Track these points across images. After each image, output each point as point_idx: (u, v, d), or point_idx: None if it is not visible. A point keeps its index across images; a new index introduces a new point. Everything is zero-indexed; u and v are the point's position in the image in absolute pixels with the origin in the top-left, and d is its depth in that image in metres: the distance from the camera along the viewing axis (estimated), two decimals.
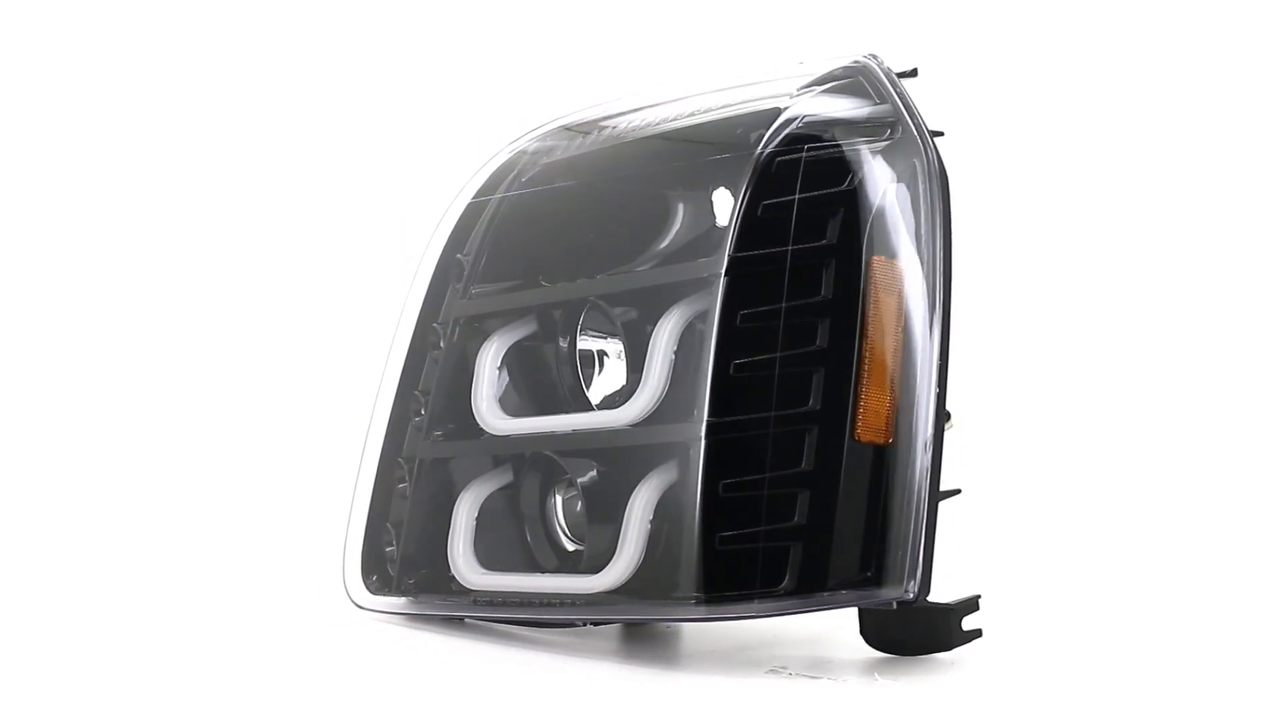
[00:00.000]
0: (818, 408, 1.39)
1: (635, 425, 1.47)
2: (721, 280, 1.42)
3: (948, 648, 1.44)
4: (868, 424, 1.41)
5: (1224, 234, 2.61)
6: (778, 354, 1.40)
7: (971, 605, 1.46)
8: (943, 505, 1.47)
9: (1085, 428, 2.50)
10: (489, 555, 1.62)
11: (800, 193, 1.43)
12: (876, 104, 1.46)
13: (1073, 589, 1.93)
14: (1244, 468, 2.42)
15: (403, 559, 1.67)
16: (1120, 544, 2.22)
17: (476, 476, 1.64)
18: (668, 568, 1.43)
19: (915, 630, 1.45)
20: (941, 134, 1.51)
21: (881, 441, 1.41)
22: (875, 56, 1.49)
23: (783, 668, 1.43)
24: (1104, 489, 2.38)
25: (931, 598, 1.42)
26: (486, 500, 1.63)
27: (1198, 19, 2.62)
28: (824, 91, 1.49)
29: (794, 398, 1.40)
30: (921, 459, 1.40)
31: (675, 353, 1.47)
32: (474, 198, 1.73)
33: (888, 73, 1.47)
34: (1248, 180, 2.61)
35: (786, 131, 1.45)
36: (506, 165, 1.74)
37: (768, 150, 1.44)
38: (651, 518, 1.45)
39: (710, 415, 1.40)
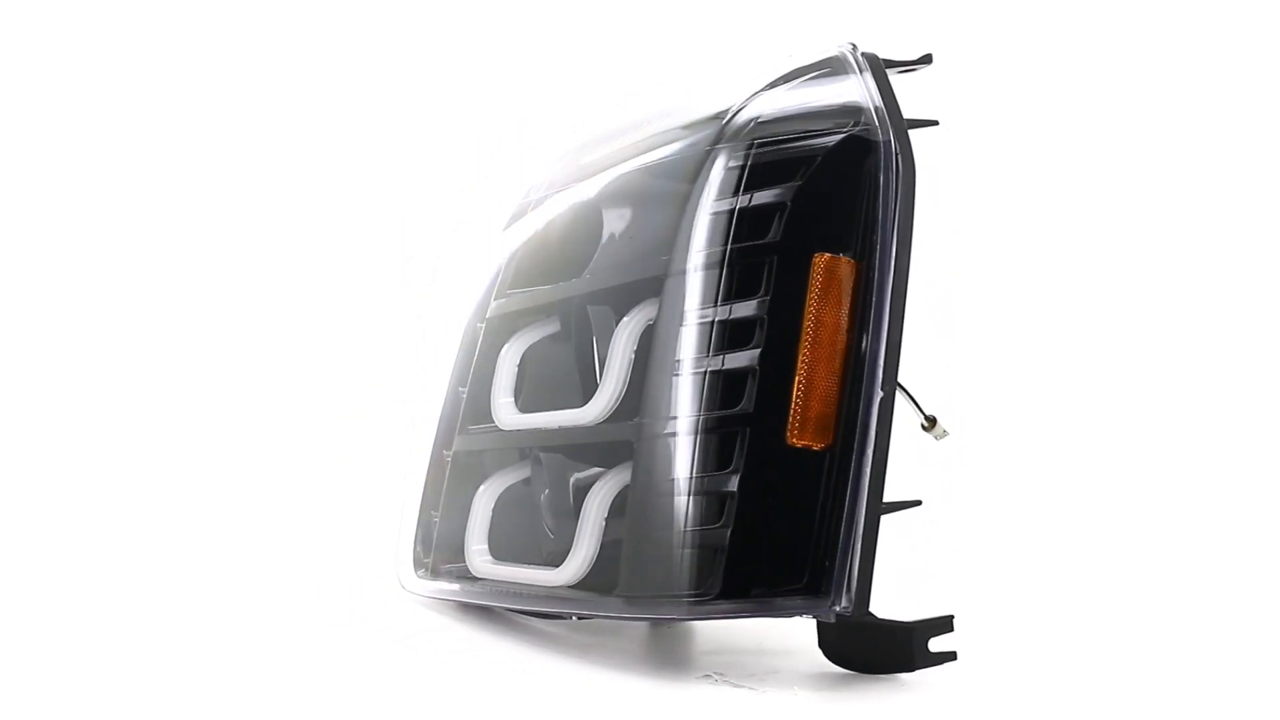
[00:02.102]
0: (750, 410, 1.35)
1: (596, 425, 1.48)
2: (666, 281, 1.41)
3: (909, 668, 1.36)
4: (803, 427, 1.35)
5: (1224, 234, 2.40)
6: (709, 355, 1.37)
7: (942, 625, 1.37)
8: (942, 517, 1.41)
9: (1091, 439, 2.31)
10: (510, 546, 1.65)
11: (745, 190, 1.39)
12: (841, 95, 1.40)
13: (1061, 607, 1.79)
14: (1243, 468, 2.27)
15: (438, 547, 1.73)
16: (1125, 559, 2.04)
17: (498, 469, 1.68)
18: (608, 565, 1.43)
19: (871, 647, 1.38)
20: (936, 123, 1.43)
21: (819, 446, 1.35)
22: (854, 46, 1.43)
23: (719, 674, 1.39)
24: (1110, 502, 2.20)
25: (911, 616, 1.36)
26: (511, 492, 1.67)
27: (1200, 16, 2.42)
28: (792, 85, 1.43)
29: (727, 399, 1.36)
30: (863, 465, 1.34)
31: (634, 353, 1.46)
32: (513, 207, 1.77)
33: (860, 61, 1.41)
34: (1248, 179, 2.39)
35: (745, 130, 1.42)
36: (533, 172, 1.77)
37: (718, 148, 1.42)
38: (607, 516, 1.45)
39: (648, 416, 1.39)
